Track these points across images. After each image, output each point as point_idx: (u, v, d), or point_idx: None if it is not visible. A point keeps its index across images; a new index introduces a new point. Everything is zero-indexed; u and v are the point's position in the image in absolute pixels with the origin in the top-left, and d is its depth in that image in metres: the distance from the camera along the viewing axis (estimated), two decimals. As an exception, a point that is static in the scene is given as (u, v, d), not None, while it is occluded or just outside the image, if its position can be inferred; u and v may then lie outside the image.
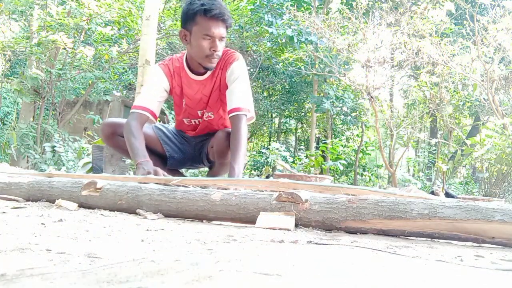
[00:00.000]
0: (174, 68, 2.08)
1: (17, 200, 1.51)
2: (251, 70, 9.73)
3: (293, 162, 6.84)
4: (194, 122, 2.23)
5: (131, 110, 2.06)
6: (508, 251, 0.93)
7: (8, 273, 0.54)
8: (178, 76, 2.09)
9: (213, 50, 1.91)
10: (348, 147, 9.95)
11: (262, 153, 7.68)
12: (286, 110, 11.48)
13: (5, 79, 6.93)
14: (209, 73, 2.06)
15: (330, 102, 7.82)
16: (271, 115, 12.29)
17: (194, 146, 2.28)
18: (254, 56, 9.53)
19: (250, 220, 1.17)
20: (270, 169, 6.29)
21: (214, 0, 1.87)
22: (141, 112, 2.02)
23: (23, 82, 5.42)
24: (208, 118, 2.19)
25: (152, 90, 2.08)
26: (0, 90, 6.24)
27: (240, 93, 2.00)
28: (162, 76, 2.08)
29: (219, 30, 1.88)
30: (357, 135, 10.71)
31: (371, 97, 4.72)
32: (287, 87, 10.90)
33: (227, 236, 0.96)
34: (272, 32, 7.39)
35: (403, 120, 5.65)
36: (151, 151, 2.08)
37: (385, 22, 5.08)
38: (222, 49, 1.97)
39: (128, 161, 3.45)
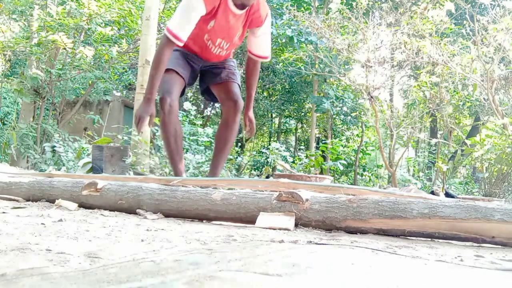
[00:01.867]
0: None
1: (17, 200, 1.51)
2: (251, 70, 9.69)
3: (293, 162, 6.84)
4: (203, 44, 2.26)
5: (168, 35, 2.10)
6: (508, 251, 0.93)
7: (8, 273, 0.54)
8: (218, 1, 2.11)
9: None
10: (348, 147, 9.94)
11: (262, 153, 7.68)
12: (286, 110, 11.47)
13: (5, 79, 6.93)
14: (245, 10, 2.16)
15: (330, 102, 7.82)
16: (271, 115, 12.28)
17: (200, 67, 2.38)
18: (254, 56, 9.51)
19: (250, 219, 1.17)
20: (270, 169, 6.29)
21: None
22: (176, 43, 2.10)
23: (23, 82, 5.42)
24: (218, 51, 2.29)
25: (191, 20, 2.11)
26: (0, 90, 6.24)
27: (268, 45, 2.30)
28: (202, 4, 2.09)
29: None
30: (357, 135, 10.69)
31: (371, 97, 4.72)
32: (287, 87, 10.89)
33: (227, 236, 0.96)
34: (272, 32, 7.39)
35: (403, 120, 5.65)
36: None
37: (385, 22, 5.09)
38: None
39: (128, 161, 3.45)
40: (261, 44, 2.31)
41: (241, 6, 2.12)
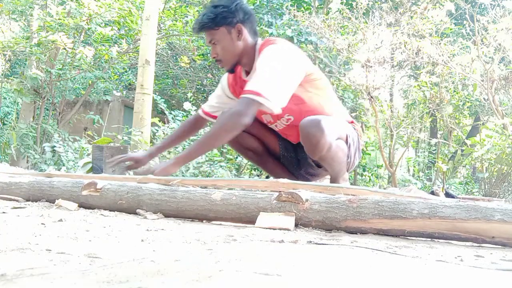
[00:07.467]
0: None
1: (17, 200, 1.51)
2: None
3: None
4: (271, 126, 2.11)
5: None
6: (508, 251, 0.93)
7: (8, 273, 0.54)
8: (236, 75, 2.06)
9: (212, 57, 1.96)
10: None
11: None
12: (286, 110, 11.46)
13: (5, 79, 6.92)
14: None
15: (330, 102, 7.79)
16: (271, 115, 12.27)
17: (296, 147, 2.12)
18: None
19: (250, 220, 1.17)
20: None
21: (203, 12, 1.91)
22: (199, 112, 2.18)
23: (23, 82, 5.41)
24: (269, 123, 2.08)
25: (214, 95, 2.18)
26: (0, 90, 6.23)
27: (258, 76, 1.76)
28: (223, 81, 2.15)
29: (206, 38, 1.92)
30: (357, 135, 10.67)
31: (371, 97, 4.72)
32: (287, 87, 10.87)
33: (227, 236, 0.96)
34: (272, 33, 7.38)
35: (403, 120, 5.64)
36: (268, 149, 2.16)
37: (385, 22, 5.08)
38: (222, 54, 1.90)
39: (128, 161, 3.44)
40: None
41: (246, 72, 1.96)
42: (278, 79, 1.76)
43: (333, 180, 1.98)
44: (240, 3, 1.88)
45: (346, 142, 1.93)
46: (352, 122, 2.09)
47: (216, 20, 1.85)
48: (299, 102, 1.90)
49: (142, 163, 2.03)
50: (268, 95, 1.70)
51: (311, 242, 0.91)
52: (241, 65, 1.96)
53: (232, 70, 1.97)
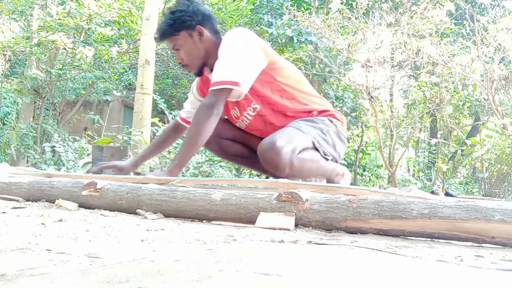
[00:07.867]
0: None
1: (17, 200, 1.51)
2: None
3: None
4: (239, 121, 2.11)
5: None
6: (508, 251, 0.93)
7: (8, 273, 0.54)
8: (203, 78, 2.07)
9: (178, 63, 1.99)
10: (348, 147, 9.93)
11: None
12: (286, 110, 11.43)
13: (5, 79, 6.92)
14: None
15: (330, 102, 7.79)
16: (271, 115, 12.25)
17: None
18: (254, 56, 9.49)
19: (250, 220, 1.17)
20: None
21: (163, 19, 1.93)
22: (177, 118, 2.20)
23: (23, 82, 5.41)
24: (237, 118, 2.08)
25: (188, 98, 2.22)
26: (0, 90, 6.23)
27: (218, 66, 1.81)
28: (193, 87, 2.18)
29: (169, 45, 1.95)
30: (357, 135, 10.67)
31: (371, 97, 4.72)
32: (287, 87, 10.85)
33: (227, 236, 0.96)
34: (272, 33, 7.38)
35: (403, 120, 5.65)
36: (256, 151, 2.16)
37: (385, 22, 5.08)
38: (187, 58, 1.93)
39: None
40: None
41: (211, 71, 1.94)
42: (238, 62, 1.79)
43: (328, 181, 1.97)
44: (197, 5, 1.90)
45: (315, 147, 1.90)
46: (326, 111, 2.04)
47: (175, 26, 1.88)
48: (264, 93, 1.91)
49: (126, 171, 2.02)
50: (234, 79, 1.75)
51: (311, 242, 0.91)
52: (207, 66, 1.96)
53: (200, 73, 1.99)
